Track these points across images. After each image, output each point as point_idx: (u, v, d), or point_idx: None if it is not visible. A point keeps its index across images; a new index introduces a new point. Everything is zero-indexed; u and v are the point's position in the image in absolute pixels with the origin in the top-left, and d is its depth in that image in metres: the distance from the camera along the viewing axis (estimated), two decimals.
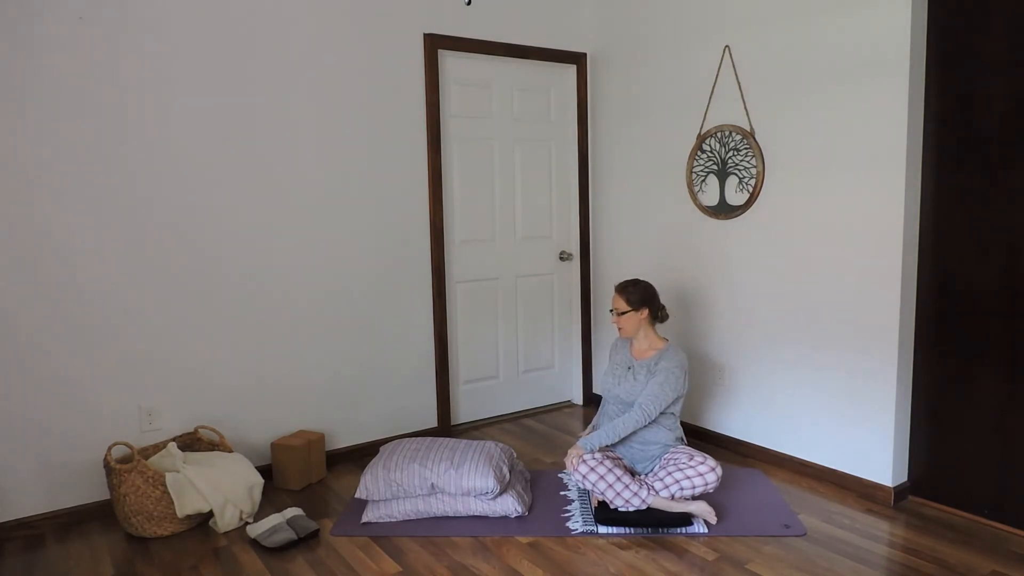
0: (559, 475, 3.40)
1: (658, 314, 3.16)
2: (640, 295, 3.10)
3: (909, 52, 2.84)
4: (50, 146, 2.85)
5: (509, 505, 2.92)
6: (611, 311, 3.18)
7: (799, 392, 3.36)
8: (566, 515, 2.97)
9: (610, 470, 2.83)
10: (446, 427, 4.04)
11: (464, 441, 3.15)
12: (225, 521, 2.88)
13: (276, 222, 3.39)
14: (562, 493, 3.20)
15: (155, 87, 3.05)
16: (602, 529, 2.84)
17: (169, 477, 2.80)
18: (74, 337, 2.95)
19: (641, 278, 3.24)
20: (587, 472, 2.84)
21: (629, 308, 3.09)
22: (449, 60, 3.90)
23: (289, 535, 2.76)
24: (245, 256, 3.32)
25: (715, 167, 3.63)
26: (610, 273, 4.37)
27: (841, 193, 3.11)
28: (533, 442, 3.93)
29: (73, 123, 2.89)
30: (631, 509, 2.83)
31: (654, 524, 2.81)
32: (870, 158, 2.99)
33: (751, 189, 3.46)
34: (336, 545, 2.77)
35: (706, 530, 2.81)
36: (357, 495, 2.94)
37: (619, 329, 3.15)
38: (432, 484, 2.89)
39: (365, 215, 3.65)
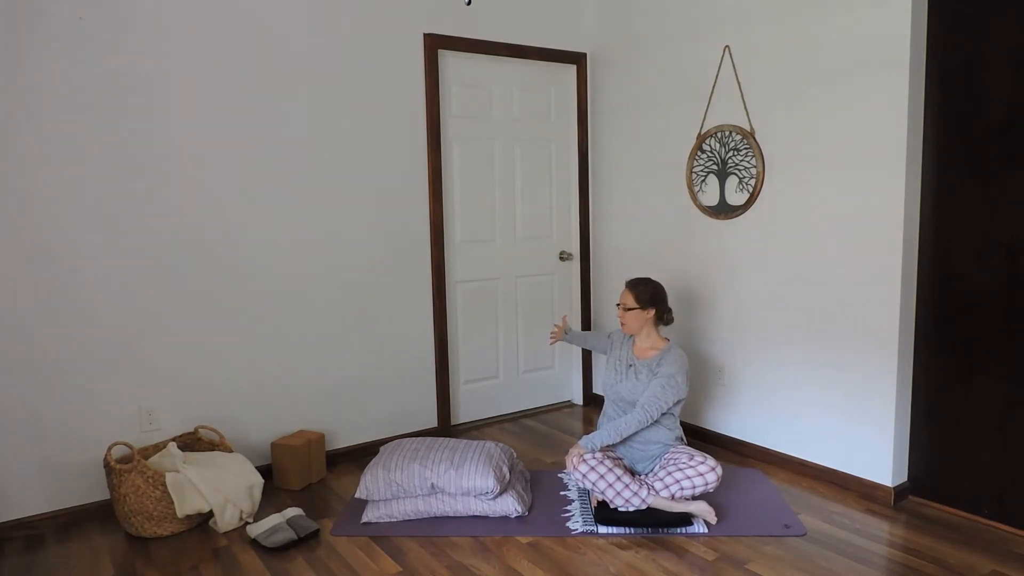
0: (559, 475, 3.40)
1: (664, 316, 3.16)
2: (650, 294, 3.11)
3: (910, 51, 2.84)
4: (54, 147, 2.85)
5: (509, 505, 2.92)
6: (618, 305, 3.18)
7: (799, 392, 3.36)
8: (566, 515, 2.97)
9: (610, 470, 2.83)
10: (446, 427, 4.04)
11: (464, 441, 3.15)
12: (225, 521, 2.88)
13: (276, 222, 3.39)
14: (562, 493, 3.20)
15: (154, 86, 3.05)
16: (602, 529, 2.84)
17: (169, 477, 2.80)
18: (74, 337, 2.95)
19: (652, 278, 3.24)
20: (587, 472, 2.84)
21: (637, 305, 3.09)
22: (449, 60, 3.90)
23: (289, 535, 2.76)
24: (245, 257, 3.32)
25: (715, 167, 3.63)
26: (610, 273, 4.37)
27: (841, 193, 3.11)
28: (533, 442, 3.93)
29: (75, 123, 2.89)
30: (631, 509, 2.83)
31: (654, 524, 2.81)
32: (870, 158, 2.99)
33: (751, 189, 3.46)
34: (336, 545, 2.77)
35: (706, 530, 2.81)
36: (357, 495, 2.94)
37: (622, 324, 3.16)
38: (432, 484, 2.89)
39: (365, 215, 3.65)
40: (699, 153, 3.71)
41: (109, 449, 2.85)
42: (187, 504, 2.81)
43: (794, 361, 3.37)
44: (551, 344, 3.89)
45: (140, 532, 2.82)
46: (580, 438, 2.97)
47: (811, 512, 2.98)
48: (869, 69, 2.96)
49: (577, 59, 4.32)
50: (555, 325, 3.65)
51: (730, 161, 3.56)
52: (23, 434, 2.88)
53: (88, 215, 2.95)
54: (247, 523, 2.94)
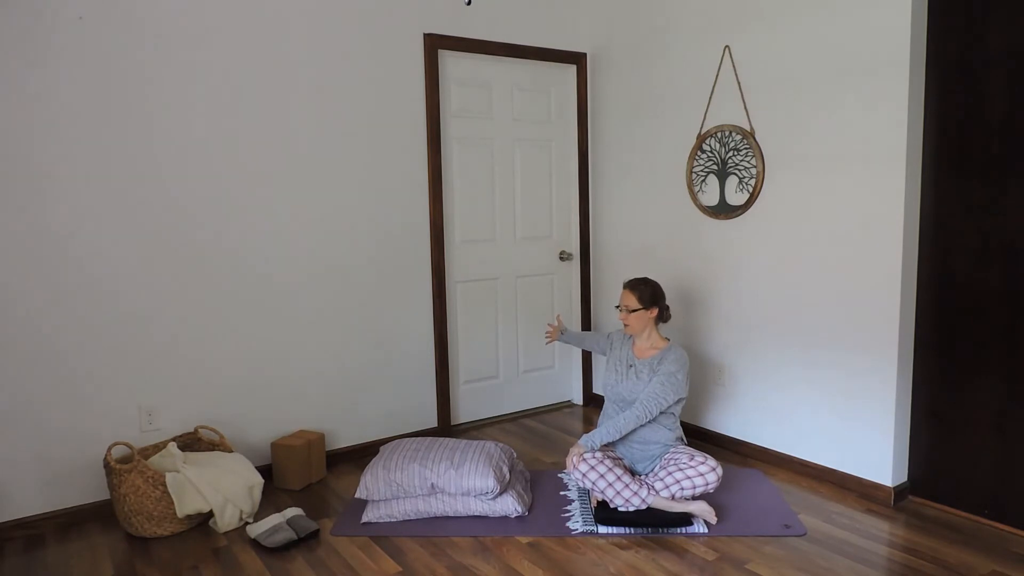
0: (559, 475, 3.40)
1: (664, 314, 3.16)
2: (651, 293, 3.11)
3: (909, 52, 2.84)
4: (57, 147, 2.85)
5: (509, 505, 2.92)
6: (618, 307, 3.18)
7: (799, 392, 3.36)
8: (566, 515, 2.97)
9: (610, 469, 2.83)
10: (446, 427, 4.04)
11: (464, 441, 3.15)
12: (225, 521, 2.88)
13: (275, 223, 3.39)
14: (562, 493, 3.20)
15: (156, 86, 3.05)
16: (602, 529, 2.84)
17: (169, 477, 2.80)
18: (74, 337, 2.95)
19: (650, 277, 3.24)
20: (587, 471, 2.84)
21: (640, 306, 3.09)
22: (449, 60, 3.90)
23: (289, 535, 2.76)
24: (244, 257, 3.32)
25: (715, 167, 3.63)
26: (610, 273, 4.37)
27: (841, 193, 3.11)
28: (533, 442, 3.93)
29: (79, 123, 2.89)
30: (631, 509, 2.83)
31: (654, 524, 2.81)
32: (870, 158, 2.99)
33: (751, 189, 3.46)
34: (336, 545, 2.77)
35: (706, 530, 2.81)
36: (357, 495, 2.94)
37: (625, 326, 3.15)
38: (432, 484, 2.89)
39: (365, 215, 3.65)
40: (699, 153, 3.71)
41: (109, 449, 2.85)
42: (187, 504, 2.81)
43: (794, 361, 3.37)
44: (547, 343, 3.89)
45: (140, 532, 2.82)
46: (580, 438, 2.97)
47: (811, 512, 2.98)
48: (869, 69, 2.96)
49: (577, 59, 4.32)
50: (549, 324, 3.65)
51: (730, 161, 3.56)
52: (23, 434, 2.88)
53: (89, 217, 2.95)
54: (247, 523, 2.94)
